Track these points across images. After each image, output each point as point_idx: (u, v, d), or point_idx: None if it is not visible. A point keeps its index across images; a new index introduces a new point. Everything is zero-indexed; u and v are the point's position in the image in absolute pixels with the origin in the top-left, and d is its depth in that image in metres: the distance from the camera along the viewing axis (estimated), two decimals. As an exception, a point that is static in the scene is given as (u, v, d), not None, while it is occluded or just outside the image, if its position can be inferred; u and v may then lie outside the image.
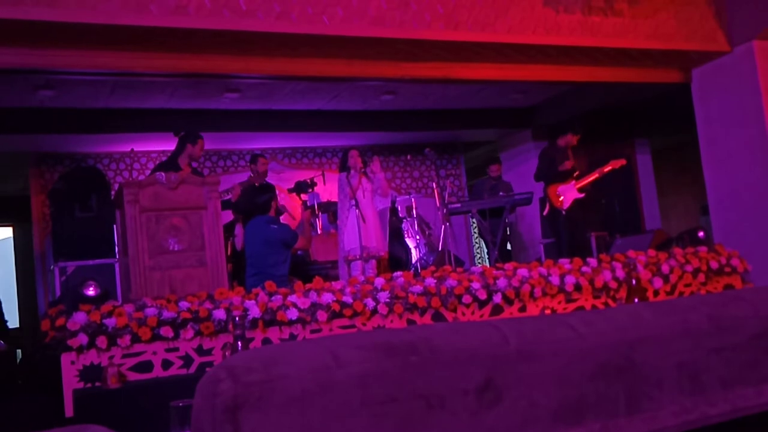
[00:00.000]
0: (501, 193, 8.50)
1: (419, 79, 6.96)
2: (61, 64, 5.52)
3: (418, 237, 8.53)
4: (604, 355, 1.32)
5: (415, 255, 8.48)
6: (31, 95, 7.26)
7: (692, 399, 1.37)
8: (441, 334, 1.26)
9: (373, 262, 6.90)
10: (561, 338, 1.31)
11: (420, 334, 1.24)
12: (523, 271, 5.66)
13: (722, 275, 6.35)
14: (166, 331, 4.53)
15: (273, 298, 4.88)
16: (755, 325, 1.49)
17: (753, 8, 7.09)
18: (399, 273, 5.49)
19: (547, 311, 5.58)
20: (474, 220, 9.78)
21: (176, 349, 4.60)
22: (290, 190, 8.69)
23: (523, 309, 5.54)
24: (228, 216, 7.23)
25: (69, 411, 4.32)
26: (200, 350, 4.64)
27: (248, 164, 8.47)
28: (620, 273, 5.91)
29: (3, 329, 8.31)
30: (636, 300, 5.36)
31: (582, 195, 7.95)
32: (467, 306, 5.36)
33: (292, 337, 4.82)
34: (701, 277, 6.21)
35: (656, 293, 5.96)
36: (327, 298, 4.95)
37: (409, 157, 10.15)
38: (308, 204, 8.47)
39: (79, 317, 4.39)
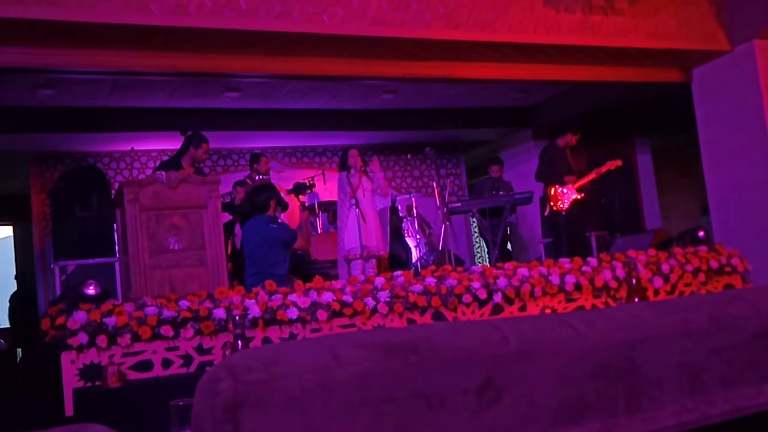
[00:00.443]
0: (501, 193, 8.50)
1: (420, 79, 6.96)
2: (61, 63, 5.53)
3: (418, 236, 8.53)
4: (604, 354, 1.32)
5: (415, 254, 8.48)
6: (32, 94, 7.26)
7: (692, 398, 1.37)
8: (441, 333, 1.26)
9: (373, 261, 6.90)
10: (561, 338, 1.31)
11: (420, 333, 1.24)
12: (523, 271, 5.65)
13: (722, 275, 6.35)
14: (167, 330, 4.53)
15: (273, 297, 4.87)
16: (755, 324, 1.49)
17: (753, 7, 7.08)
18: (399, 272, 5.48)
19: (548, 311, 5.58)
20: (474, 219, 9.78)
21: (176, 348, 4.59)
22: (289, 192, 8.68)
23: (523, 308, 5.54)
24: (228, 215, 7.23)
25: (69, 410, 4.32)
26: (200, 349, 4.64)
27: (248, 164, 8.44)
28: (620, 272, 5.91)
29: None
30: (636, 299, 5.36)
31: (581, 195, 7.95)
32: (467, 305, 5.36)
33: (292, 336, 4.82)
34: (701, 276, 6.21)
35: (656, 293, 5.96)
36: (327, 297, 4.95)
37: (409, 156, 10.15)
38: (307, 204, 8.46)
39: (80, 316, 4.39)
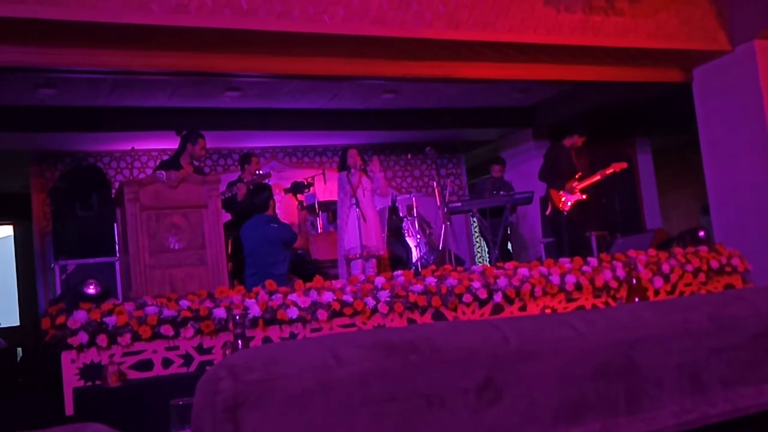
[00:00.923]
0: (501, 193, 8.50)
1: (420, 78, 6.96)
2: (62, 63, 5.53)
3: (418, 236, 8.53)
4: (604, 354, 1.32)
5: (415, 254, 8.48)
6: (32, 93, 7.26)
7: (692, 399, 1.37)
8: (441, 333, 1.26)
9: (374, 261, 6.90)
10: (561, 337, 1.31)
11: (420, 333, 1.24)
12: (523, 271, 5.65)
13: (723, 275, 6.35)
14: (167, 330, 4.53)
15: (273, 296, 4.87)
16: (756, 324, 1.49)
17: (754, 8, 7.08)
18: (399, 272, 5.48)
19: (548, 310, 5.58)
20: (474, 219, 9.78)
21: (176, 348, 4.59)
22: (286, 191, 8.68)
23: (523, 308, 5.54)
24: (227, 215, 7.21)
25: (69, 409, 4.32)
26: (200, 349, 4.64)
27: (238, 164, 8.38)
28: (621, 272, 5.91)
29: None
30: (636, 299, 5.35)
31: (584, 197, 7.95)
32: (468, 305, 5.36)
33: (293, 335, 4.82)
34: (702, 276, 6.21)
35: (657, 293, 5.96)
36: (327, 297, 4.95)
37: (409, 156, 10.15)
38: (305, 204, 8.46)
39: (80, 315, 4.40)
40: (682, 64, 7.73)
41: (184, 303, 4.66)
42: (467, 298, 5.32)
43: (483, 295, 5.38)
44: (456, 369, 1.18)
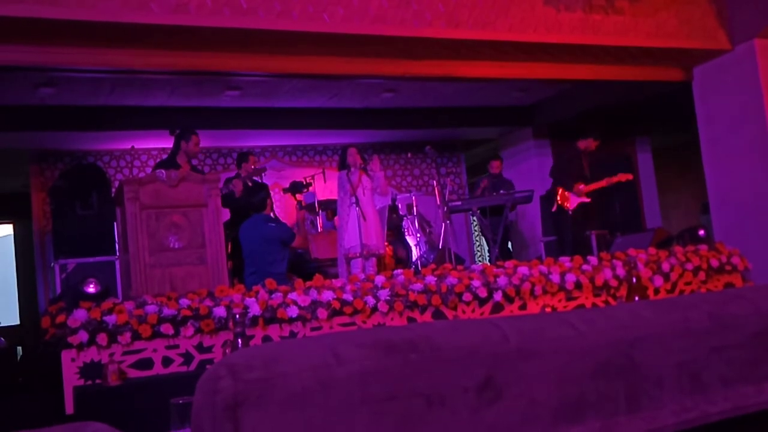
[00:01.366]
0: (501, 191, 8.50)
1: (420, 77, 6.96)
2: (62, 62, 5.53)
3: (418, 235, 8.53)
4: (604, 353, 1.32)
5: (415, 253, 8.48)
6: (32, 93, 7.25)
7: (692, 397, 1.37)
8: (441, 331, 1.26)
9: (374, 259, 6.90)
10: (561, 336, 1.31)
11: (420, 331, 1.24)
12: (523, 269, 5.66)
13: (723, 273, 6.35)
14: (167, 329, 4.53)
15: (273, 295, 4.88)
16: (756, 323, 1.48)
17: (754, 7, 7.08)
18: (399, 271, 5.49)
19: (548, 309, 5.58)
20: (474, 218, 9.78)
21: (176, 347, 4.60)
22: (285, 190, 8.67)
23: (523, 307, 5.54)
24: (228, 213, 7.21)
25: (69, 408, 4.32)
26: (200, 347, 4.65)
27: (235, 162, 8.37)
28: (621, 271, 5.91)
29: None
30: (636, 298, 5.36)
31: (588, 200, 8.01)
32: (467, 304, 5.36)
33: (293, 334, 4.82)
34: (702, 275, 6.21)
35: (657, 291, 5.96)
36: (327, 295, 4.95)
37: (409, 155, 10.16)
38: (304, 203, 8.46)
39: (80, 314, 4.40)
40: (682, 63, 7.73)
41: (184, 302, 4.66)
42: (467, 296, 5.33)
43: (483, 293, 5.38)
44: (456, 368, 1.18)
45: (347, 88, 8.28)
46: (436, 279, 5.34)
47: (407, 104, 9.33)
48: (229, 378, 1.05)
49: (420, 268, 5.82)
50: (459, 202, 8.75)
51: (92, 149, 9.20)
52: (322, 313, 4.87)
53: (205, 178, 5.80)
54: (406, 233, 8.67)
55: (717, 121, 7.67)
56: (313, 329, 4.89)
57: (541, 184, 9.65)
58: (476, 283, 5.40)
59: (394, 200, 8.87)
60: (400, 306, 5.11)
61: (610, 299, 5.88)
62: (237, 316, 4.48)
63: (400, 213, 8.80)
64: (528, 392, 1.23)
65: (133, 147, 7.84)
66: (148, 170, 8.83)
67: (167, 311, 4.56)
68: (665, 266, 6.06)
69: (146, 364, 4.52)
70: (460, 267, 5.76)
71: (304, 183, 8.72)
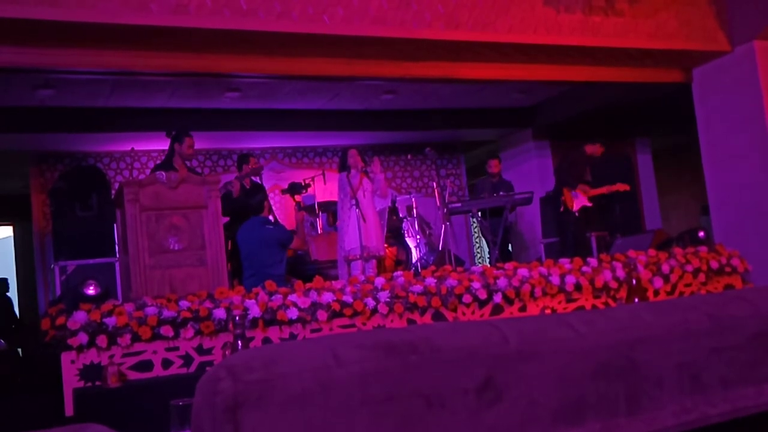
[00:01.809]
0: (501, 193, 8.51)
1: (420, 79, 6.96)
2: (61, 63, 5.52)
3: (418, 237, 8.52)
4: (604, 354, 1.32)
5: (415, 255, 8.48)
6: (32, 94, 7.25)
7: (692, 399, 1.37)
8: (441, 333, 1.26)
9: (374, 261, 6.90)
10: (561, 338, 1.31)
11: (420, 333, 1.24)
12: (523, 271, 5.66)
13: (722, 275, 6.35)
14: (167, 331, 4.53)
15: (273, 297, 4.88)
16: (755, 324, 1.49)
17: (754, 8, 7.08)
18: (399, 273, 5.49)
19: (548, 311, 5.58)
20: (474, 219, 9.78)
21: (176, 349, 4.60)
22: (284, 191, 8.67)
23: (523, 309, 5.54)
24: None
25: (69, 410, 4.32)
26: (200, 349, 4.64)
27: (236, 164, 8.37)
28: (620, 273, 5.91)
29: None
30: (636, 300, 5.36)
31: (590, 204, 8.05)
32: (467, 305, 5.36)
33: (293, 336, 4.82)
34: (701, 276, 6.21)
35: (656, 293, 5.96)
36: (327, 297, 4.95)
37: (409, 156, 10.15)
38: (302, 205, 8.46)
39: (80, 316, 4.40)
40: (682, 65, 7.73)
41: (184, 304, 4.66)
42: (467, 298, 5.33)
43: (483, 295, 5.39)
44: (456, 369, 1.18)
45: (347, 90, 8.28)
46: (435, 281, 5.34)
47: (407, 106, 9.33)
48: (228, 379, 1.05)
49: (420, 270, 5.82)
50: (459, 204, 8.76)
51: (92, 151, 9.20)
52: (321, 314, 4.87)
53: (205, 180, 5.80)
54: (406, 235, 8.67)
55: (717, 123, 7.67)
56: (312, 331, 4.89)
57: (541, 186, 9.66)
58: (476, 284, 5.40)
59: (393, 202, 8.87)
60: (400, 308, 5.11)
61: (609, 301, 5.88)
62: (237, 317, 4.48)
63: (400, 215, 8.80)
64: (528, 393, 1.23)
65: (133, 149, 7.84)
66: (148, 172, 8.82)
67: (167, 313, 4.56)
68: (665, 268, 6.06)
69: (146, 365, 4.52)
70: (459, 269, 5.76)
71: (303, 184, 8.72)
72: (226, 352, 4.20)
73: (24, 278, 11.50)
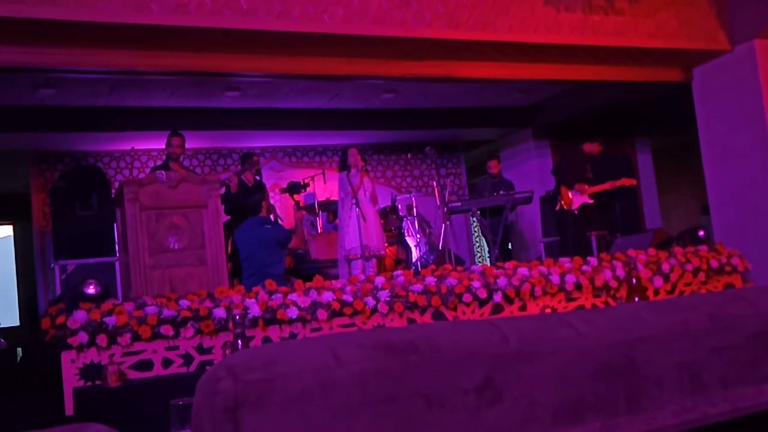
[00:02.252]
0: (501, 192, 8.51)
1: (420, 78, 6.96)
2: (61, 63, 5.52)
3: (418, 236, 8.52)
4: (604, 354, 1.32)
5: (415, 254, 8.48)
6: (31, 94, 7.25)
7: (692, 398, 1.37)
8: (441, 332, 1.26)
9: (374, 260, 6.90)
10: (561, 337, 1.31)
11: (420, 332, 1.24)
12: (523, 270, 5.66)
13: (722, 274, 6.35)
14: (167, 330, 4.53)
15: (273, 296, 4.88)
16: (756, 324, 1.48)
17: (754, 7, 7.08)
18: (399, 272, 5.49)
19: (548, 310, 5.58)
20: (474, 218, 9.78)
21: (176, 348, 4.60)
22: (282, 191, 8.67)
23: (523, 308, 5.54)
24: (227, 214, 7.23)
25: (69, 409, 4.32)
26: (200, 349, 4.64)
27: (239, 163, 8.41)
28: (620, 272, 5.91)
29: None
30: (636, 299, 5.36)
31: (591, 201, 8.03)
32: (467, 305, 5.36)
33: (293, 335, 4.82)
34: (701, 276, 6.21)
35: (656, 292, 5.96)
36: (327, 296, 4.95)
37: (409, 155, 10.15)
38: (301, 204, 8.46)
39: (80, 315, 4.40)
40: (682, 64, 7.73)
41: (184, 303, 4.66)
42: (467, 297, 5.32)
43: (483, 294, 5.38)
44: (456, 369, 1.18)
45: (347, 89, 8.28)
46: (436, 280, 5.34)
47: (407, 105, 9.33)
48: (229, 379, 1.05)
49: (420, 269, 5.82)
50: (459, 203, 8.76)
51: (92, 150, 9.20)
52: (322, 314, 4.87)
53: (205, 179, 5.80)
54: (406, 234, 8.67)
55: (717, 122, 7.67)
56: (313, 330, 4.89)
57: (541, 185, 9.66)
58: (476, 284, 5.40)
59: (393, 201, 8.87)
60: (400, 307, 5.11)
61: (609, 300, 5.88)
62: (237, 317, 4.48)
63: (400, 214, 8.80)
64: (528, 393, 1.23)
65: (133, 148, 7.85)
66: (148, 171, 8.83)
67: (167, 312, 4.56)
68: (665, 267, 6.06)
69: (146, 365, 4.52)
70: (460, 268, 5.76)
71: (302, 183, 8.73)
72: (226, 352, 4.20)
73: (24, 278, 11.50)
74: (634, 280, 5.60)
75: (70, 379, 4.37)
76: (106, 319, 4.43)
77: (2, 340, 8.52)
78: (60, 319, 4.42)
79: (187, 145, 7.16)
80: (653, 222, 10.81)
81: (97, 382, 4.37)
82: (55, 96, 7.37)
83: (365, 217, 6.78)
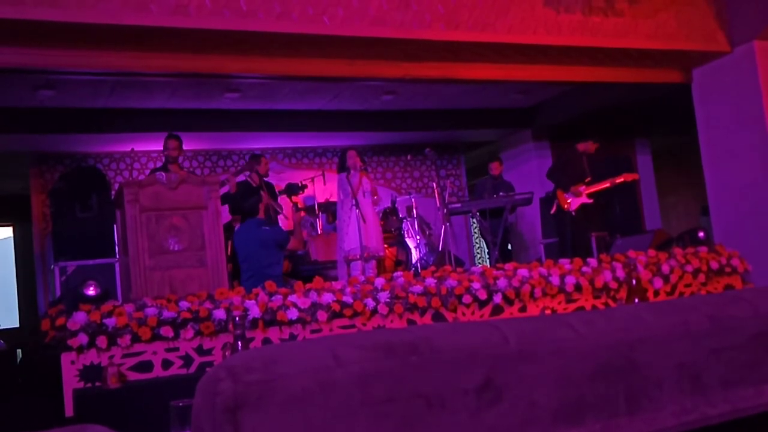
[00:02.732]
0: (501, 193, 8.51)
1: (420, 79, 6.96)
2: (61, 64, 5.53)
3: (418, 237, 8.52)
4: (604, 355, 1.32)
5: (415, 255, 8.48)
6: (31, 95, 7.26)
7: (692, 399, 1.37)
8: (441, 333, 1.26)
9: (373, 262, 6.90)
10: (561, 338, 1.31)
11: (420, 333, 1.24)
12: (523, 272, 5.65)
13: (722, 275, 6.35)
14: (166, 331, 4.53)
15: (273, 298, 4.87)
16: (755, 325, 1.49)
17: (753, 8, 7.08)
18: (399, 273, 5.49)
19: (548, 311, 5.58)
20: (474, 220, 9.78)
21: (176, 349, 4.59)
22: (281, 192, 8.68)
23: (523, 309, 5.54)
24: (228, 215, 7.23)
25: (69, 411, 4.32)
26: (200, 350, 4.64)
27: (247, 163, 8.41)
28: (620, 273, 5.91)
29: None
30: (636, 300, 5.36)
31: (590, 201, 7.99)
32: (467, 306, 5.36)
33: (292, 337, 4.82)
34: (701, 277, 6.21)
35: (656, 293, 5.96)
36: (327, 298, 4.95)
37: (409, 157, 10.15)
38: (300, 206, 8.47)
39: (79, 317, 4.39)
40: (682, 65, 7.73)
41: (184, 304, 4.66)
42: (467, 299, 5.32)
43: (483, 296, 5.38)
44: (456, 370, 1.18)
45: (347, 90, 8.28)
46: (435, 281, 5.34)
47: (407, 106, 9.33)
48: (229, 380, 1.05)
49: (420, 270, 5.82)
50: (459, 204, 8.76)
51: (92, 151, 9.20)
52: (321, 315, 4.87)
53: (205, 180, 5.80)
54: (406, 235, 8.67)
55: (716, 123, 7.67)
56: (312, 332, 4.88)
57: (541, 186, 9.65)
58: (476, 285, 5.40)
59: (393, 202, 8.87)
60: (400, 308, 5.11)
61: (609, 301, 5.88)
62: (237, 318, 4.47)
63: (400, 215, 8.80)
64: (528, 394, 1.23)
65: (132, 149, 7.85)
66: (148, 173, 8.83)
67: (167, 314, 4.55)
68: (665, 268, 6.06)
69: (146, 366, 4.51)
70: (459, 269, 5.76)
71: (300, 185, 8.73)
72: (226, 353, 4.20)
73: (24, 279, 11.49)
74: (634, 282, 5.59)
75: (70, 381, 4.37)
76: (106, 321, 4.43)
77: (2, 341, 8.52)
78: (60, 321, 4.42)
79: (186, 147, 7.17)
80: (653, 223, 10.81)
81: (97, 384, 4.36)
82: (55, 97, 7.38)
83: (365, 218, 6.78)
